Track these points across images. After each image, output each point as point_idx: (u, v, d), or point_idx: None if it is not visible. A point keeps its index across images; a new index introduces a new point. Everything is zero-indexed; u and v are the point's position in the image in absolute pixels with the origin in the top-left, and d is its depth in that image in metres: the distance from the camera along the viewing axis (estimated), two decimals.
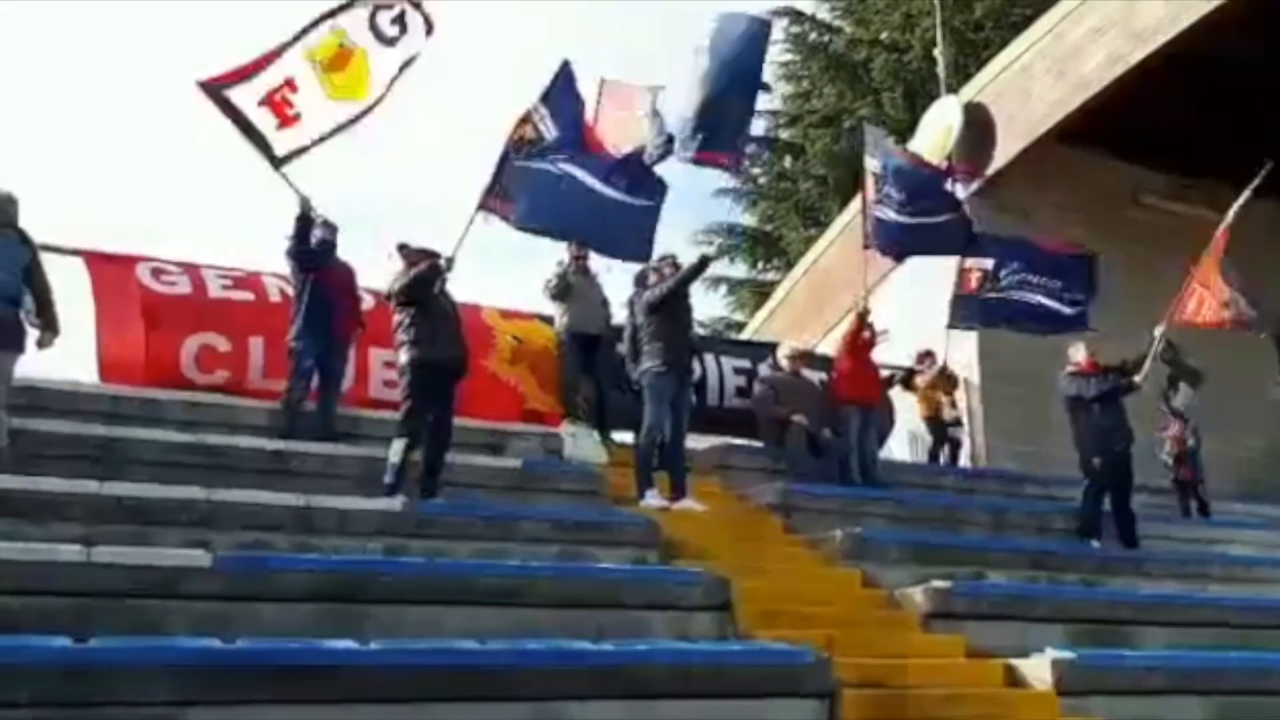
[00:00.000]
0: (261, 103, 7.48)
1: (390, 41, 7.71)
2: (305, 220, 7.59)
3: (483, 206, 7.23)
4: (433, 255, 6.96)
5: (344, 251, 7.90)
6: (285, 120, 7.54)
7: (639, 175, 7.79)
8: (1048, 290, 10.09)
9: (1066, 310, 10.07)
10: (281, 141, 7.53)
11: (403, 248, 7.10)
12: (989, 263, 10.10)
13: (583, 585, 5.32)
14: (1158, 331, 9.20)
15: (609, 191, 7.63)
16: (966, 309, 10.27)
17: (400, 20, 7.71)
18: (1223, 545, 9.34)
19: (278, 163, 7.52)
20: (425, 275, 6.88)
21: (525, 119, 7.47)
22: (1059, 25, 12.05)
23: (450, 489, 6.69)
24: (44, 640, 3.84)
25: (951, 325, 10.41)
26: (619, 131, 8.55)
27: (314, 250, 7.65)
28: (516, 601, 5.02)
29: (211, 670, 3.86)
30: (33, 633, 3.95)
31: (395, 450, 6.58)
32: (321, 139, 7.65)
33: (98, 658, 3.79)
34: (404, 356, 6.83)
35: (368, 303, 8.03)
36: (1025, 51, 12.39)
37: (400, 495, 6.37)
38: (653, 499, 7.41)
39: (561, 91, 7.63)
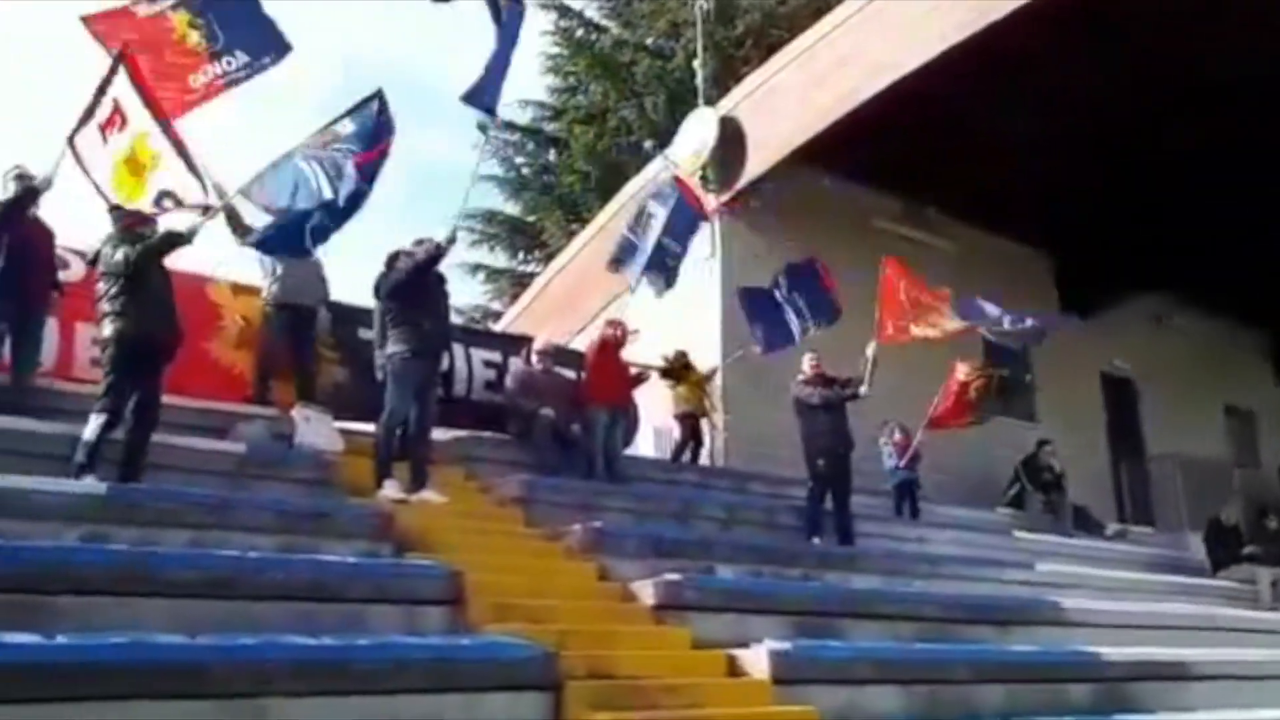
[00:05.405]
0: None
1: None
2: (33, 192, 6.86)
3: None
4: (148, 219, 6.44)
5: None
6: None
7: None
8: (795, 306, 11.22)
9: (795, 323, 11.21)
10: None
11: (114, 209, 6.55)
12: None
13: (304, 577, 5.03)
14: (870, 350, 9.62)
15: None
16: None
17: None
18: (929, 545, 10.13)
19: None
20: (180, 238, 6.36)
21: None
22: (805, 53, 12.68)
23: (165, 474, 6.21)
24: None
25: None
26: None
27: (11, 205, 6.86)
28: (228, 594, 4.69)
29: None
30: None
31: (92, 428, 6.06)
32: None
33: None
34: (108, 329, 6.28)
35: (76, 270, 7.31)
36: (776, 73, 12.97)
37: (91, 476, 5.86)
38: (391, 490, 7.17)
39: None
